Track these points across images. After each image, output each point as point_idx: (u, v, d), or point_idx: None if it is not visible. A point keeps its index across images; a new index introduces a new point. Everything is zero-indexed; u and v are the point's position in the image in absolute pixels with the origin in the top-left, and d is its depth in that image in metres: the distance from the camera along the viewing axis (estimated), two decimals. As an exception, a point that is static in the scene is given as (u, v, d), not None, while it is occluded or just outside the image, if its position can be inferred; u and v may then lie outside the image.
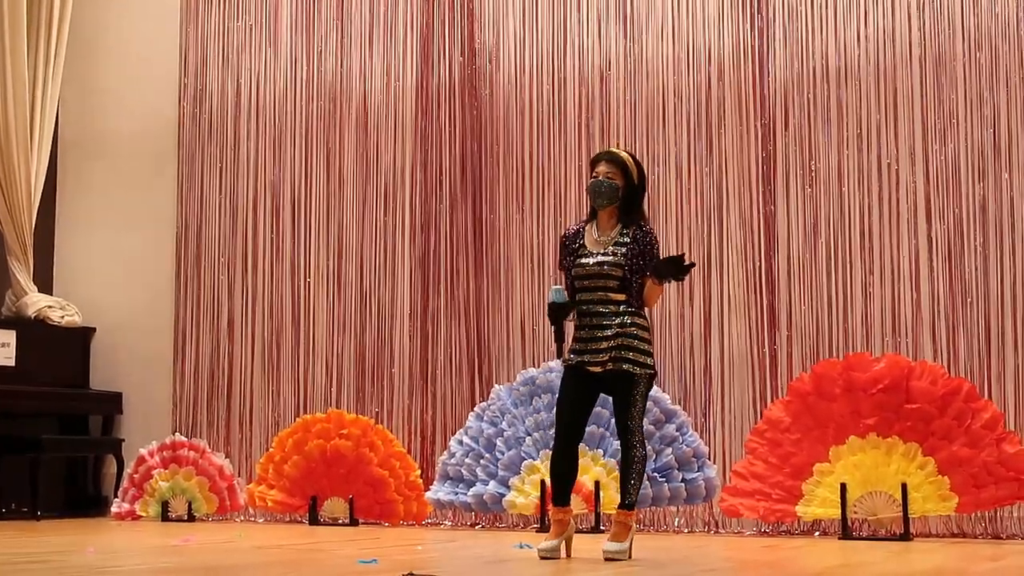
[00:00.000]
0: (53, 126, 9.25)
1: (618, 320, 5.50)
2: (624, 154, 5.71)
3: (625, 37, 7.99)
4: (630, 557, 5.41)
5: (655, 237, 5.62)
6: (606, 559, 5.34)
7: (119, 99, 9.43)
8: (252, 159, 8.90)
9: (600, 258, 5.56)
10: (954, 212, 7.22)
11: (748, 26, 7.70)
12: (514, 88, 8.21)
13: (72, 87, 9.47)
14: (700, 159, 7.75)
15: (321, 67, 8.76)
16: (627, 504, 5.43)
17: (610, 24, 8.03)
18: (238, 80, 8.99)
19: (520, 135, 8.17)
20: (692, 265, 5.58)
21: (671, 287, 7.63)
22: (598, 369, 5.50)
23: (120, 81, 9.46)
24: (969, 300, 7.13)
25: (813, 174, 7.52)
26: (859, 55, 7.48)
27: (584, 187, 5.73)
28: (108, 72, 9.50)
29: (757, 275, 7.55)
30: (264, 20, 8.96)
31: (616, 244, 5.57)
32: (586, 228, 5.69)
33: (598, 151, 6.20)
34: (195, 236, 8.98)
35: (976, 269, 7.14)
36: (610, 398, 5.66)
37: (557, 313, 5.60)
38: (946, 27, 7.31)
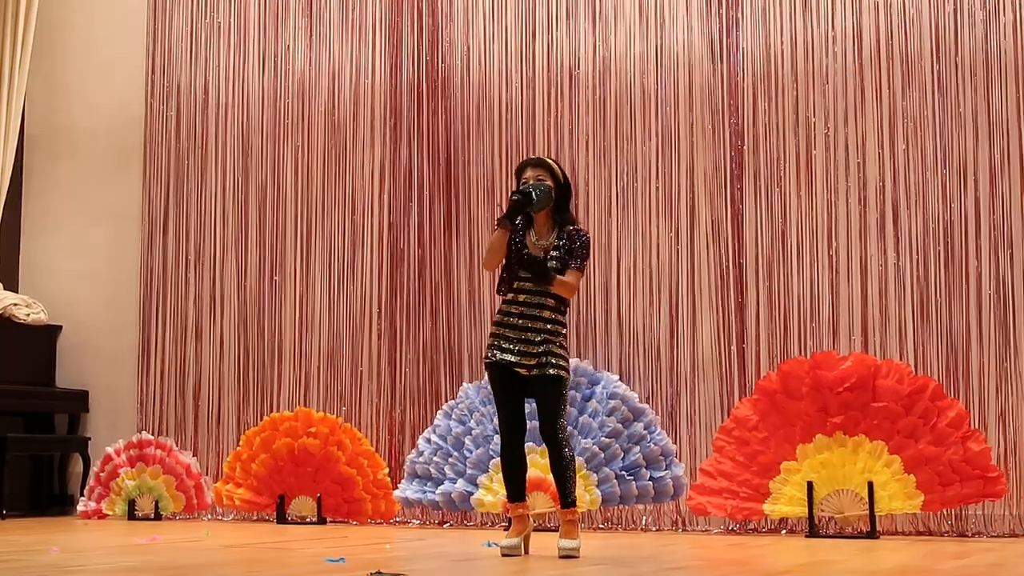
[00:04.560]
0: (19, 122, 9.19)
1: (548, 325, 5.61)
2: (548, 159, 5.84)
3: (594, 36, 8.00)
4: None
5: (587, 237, 5.73)
6: (562, 556, 5.47)
7: (86, 95, 9.38)
8: (220, 156, 8.87)
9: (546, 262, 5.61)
10: (921, 212, 7.26)
11: (717, 25, 7.72)
12: (483, 86, 8.21)
13: (38, 82, 9.41)
14: (668, 158, 7.77)
15: (289, 64, 8.73)
16: (571, 502, 5.58)
17: (579, 23, 8.04)
18: (206, 77, 8.95)
19: (489, 133, 8.16)
20: (536, 260, 5.59)
21: (644, 283, 7.67)
22: (524, 372, 5.56)
23: (87, 77, 9.40)
24: (936, 299, 7.17)
25: (781, 173, 7.55)
26: (827, 55, 7.51)
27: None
28: (75, 68, 9.45)
29: (725, 273, 7.57)
30: (232, 17, 8.92)
31: (555, 248, 5.65)
32: (526, 233, 5.72)
33: (532, 157, 6.22)
34: (162, 234, 8.94)
35: (943, 268, 7.18)
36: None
37: (522, 209, 5.59)
38: (914, 27, 7.35)
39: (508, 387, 5.65)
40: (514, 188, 5.74)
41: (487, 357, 5.69)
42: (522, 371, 5.58)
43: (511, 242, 5.65)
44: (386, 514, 7.84)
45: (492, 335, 5.71)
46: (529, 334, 5.59)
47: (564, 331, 5.71)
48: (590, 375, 7.42)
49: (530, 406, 5.78)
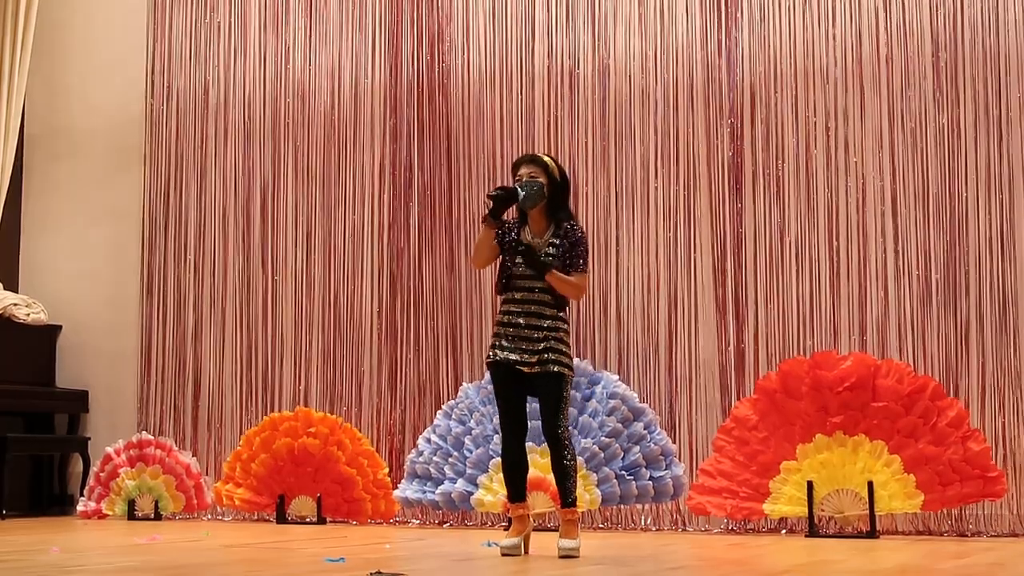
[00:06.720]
0: (19, 122, 9.19)
1: (548, 323, 5.61)
2: (545, 156, 5.81)
3: (593, 36, 8.00)
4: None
5: (584, 233, 5.73)
6: (562, 556, 5.47)
7: (86, 95, 9.37)
8: (220, 156, 8.86)
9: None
10: (921, 211, 7.26)
11: (717, 25, 7.72)
12: (483, 86, 8.20)
13: (38, 82, 9.40)
14: (668, 158, 7.77)
15: (290, 64, 8.73)
16: (571, 502, 5.58)
17: (578, 23, 8.04)
18: (206, 77, 8.94)
19: (489, 133, 8.16)
20: (526, 251, 5.60)
21: (644, 283, 7.67)
22: (527, 369, 5.56)
23: (87, 77, 9.39)
24: (935, 299, 7.17)
25: (781, 173, 7.55)
26: (827, 55, 7.51)
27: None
28: (75, 68, 9.43)
29: (725, 273, 7.57)
30: (233, 17, 8.92)
31: (550, 245, 5.64)
32: (521, 230, 5.72)
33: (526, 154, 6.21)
34: (162, 233, 8.93)
35: (943, 268, 7.18)
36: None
37: (504, 206, 5.63)
38: (914, 27, 7.35)
39: (510, 386, 5.65)
40: (510, 185, 5.75)
41: (489, 357, 5.70)
42: (524, 369, 5.58)
43: (505, 240, 5.66)
44: (386, 514, 7.83)
45: (494, 335, 5.72)
46: (530, 331, 5.59)
47: (566, 327, 5.70)
48: (590, 375, 7.42)
49: (531, 405, 5.78)
